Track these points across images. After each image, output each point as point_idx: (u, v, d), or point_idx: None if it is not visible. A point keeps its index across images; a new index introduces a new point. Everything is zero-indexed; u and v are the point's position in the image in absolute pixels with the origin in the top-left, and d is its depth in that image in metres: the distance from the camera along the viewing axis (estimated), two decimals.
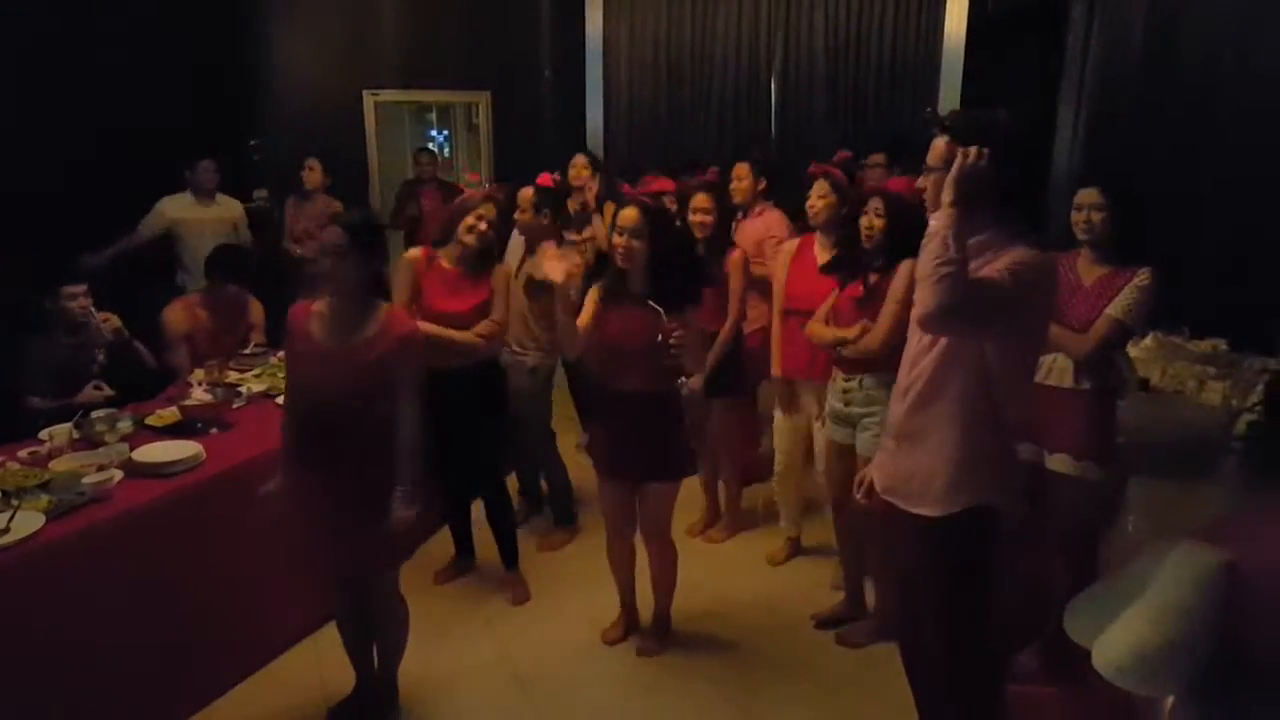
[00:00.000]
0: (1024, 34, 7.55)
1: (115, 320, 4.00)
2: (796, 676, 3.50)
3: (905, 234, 3.16)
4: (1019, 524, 2.47)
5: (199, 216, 5.72)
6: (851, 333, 3.36)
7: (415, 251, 3.78)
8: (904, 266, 3.22)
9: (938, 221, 2.21)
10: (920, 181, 2.39)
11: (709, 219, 4.12)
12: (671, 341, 3.08)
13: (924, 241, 2.21)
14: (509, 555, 4.05)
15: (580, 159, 5.21)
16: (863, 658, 3.60)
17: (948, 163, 2.23)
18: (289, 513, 2.95)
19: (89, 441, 3.36)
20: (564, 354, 3.39)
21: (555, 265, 3.04)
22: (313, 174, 6.48)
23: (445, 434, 3.71)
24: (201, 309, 4.50)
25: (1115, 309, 3.05)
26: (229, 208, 5.94)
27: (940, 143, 2.30)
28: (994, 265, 2.23)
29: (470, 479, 4.03)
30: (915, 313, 2.25)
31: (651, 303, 3.18)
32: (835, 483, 3.65)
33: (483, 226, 3.68)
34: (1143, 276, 3.06)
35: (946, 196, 2.21)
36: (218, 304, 4.53)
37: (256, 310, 4.77)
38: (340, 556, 2.96)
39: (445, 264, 3.73)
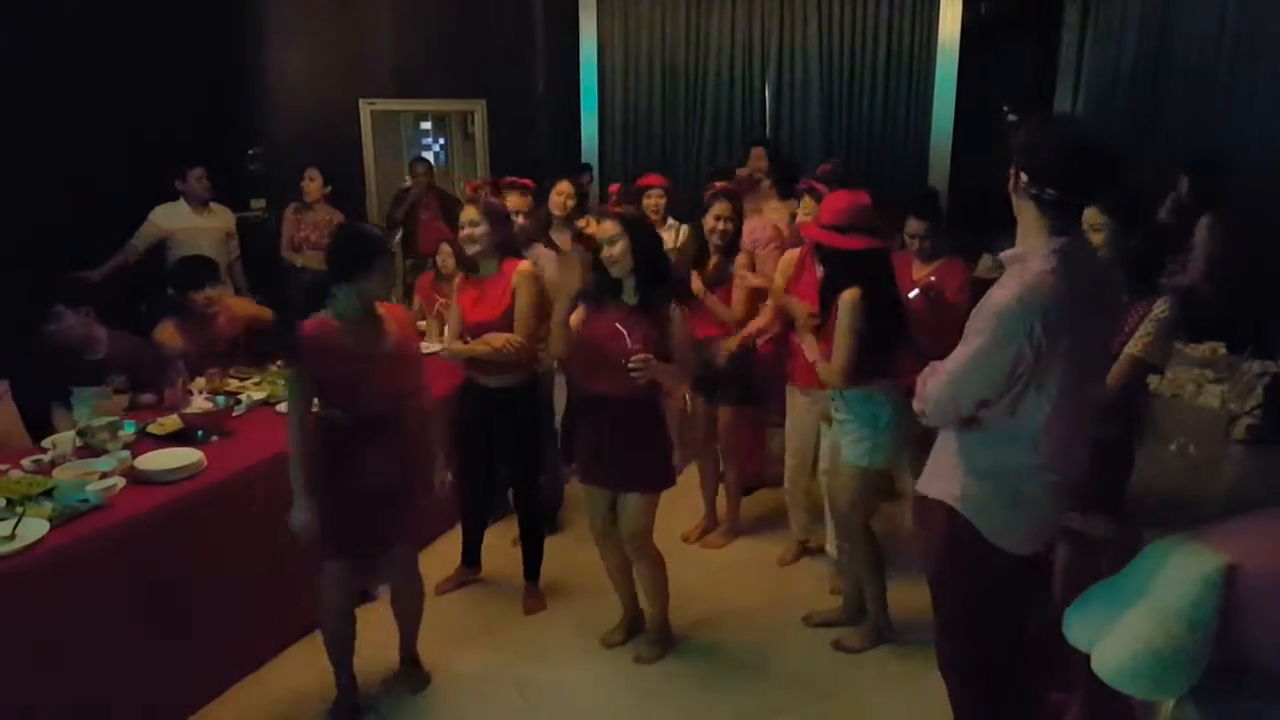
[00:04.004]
0: (1018, 37, 7.58)
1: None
2: (793, 682, 3.50)
3: (842, 271, 3.28)
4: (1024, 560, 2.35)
5: (195, 225, 5.70)
6: (816, 357, 3.41)
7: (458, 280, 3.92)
8: (845, 299, 3.25)
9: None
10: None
11: (728, 226, 4.17)
12: (630, 365, 3.10)
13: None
14: (533, 568, 4.07)
15: (564, 185, 4.99)
16: (859, 662, 3.60)
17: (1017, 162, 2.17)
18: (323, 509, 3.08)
19: (92, 449, 3.38)
20: (553, 352, 3.46)
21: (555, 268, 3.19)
22: (313, 184, 6.51)
23: (480, 448, 3.82)
24: (177, 329, 4.36)
25: (1135, 346, 2.76)
26: (223, 217, 5.94)
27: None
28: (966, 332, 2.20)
29: (496, 493, 4.11)
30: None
31: (618, 325, 3.23)
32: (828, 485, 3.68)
33: (470, 231, 3.69)
34: (1160, 307, 2.77)
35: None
36: (188, 321, 4.38)
37: (235, 320, 4.63)
38: (381, 530, 3.15)
39: (470, 277, 3.82)
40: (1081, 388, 2.24)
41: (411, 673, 3.47)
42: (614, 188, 5.79)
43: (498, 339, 3.63)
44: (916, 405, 2.33)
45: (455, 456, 3.83)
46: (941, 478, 2.36)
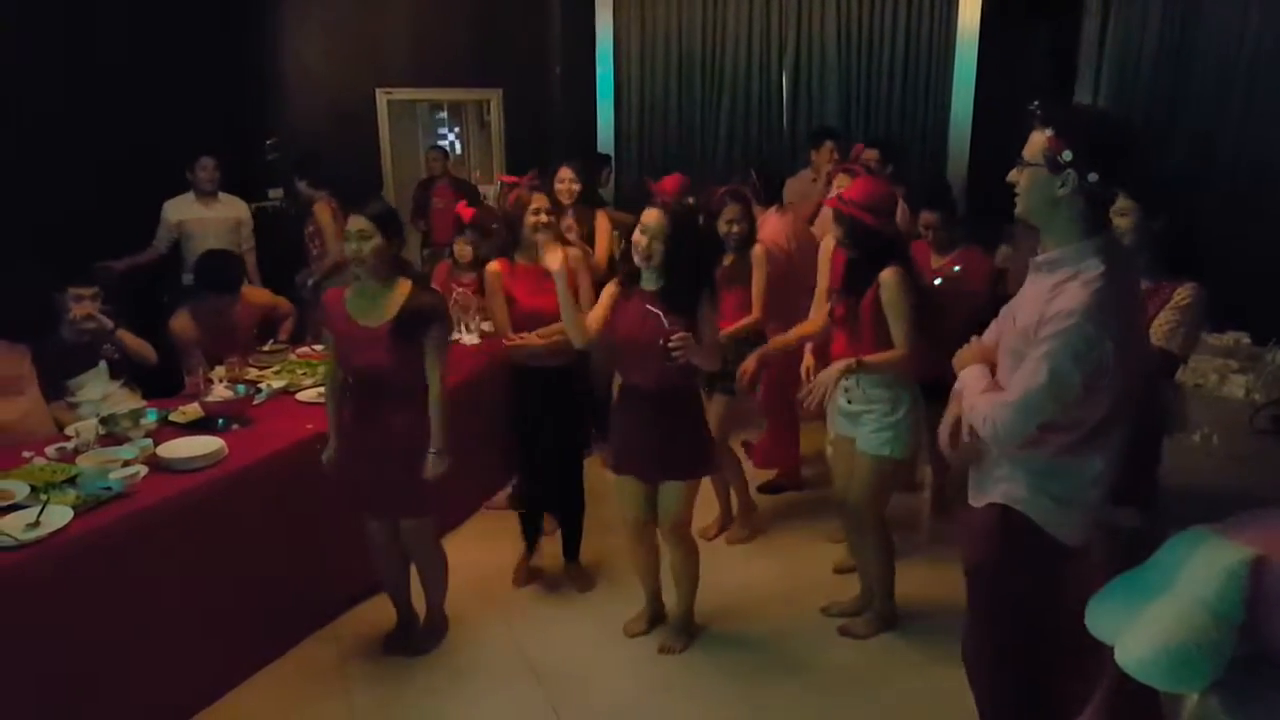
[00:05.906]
0: (1039, 24, 7.51)
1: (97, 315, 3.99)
2: (810, 671, 3.50)
3: (871, 255, 3.26)
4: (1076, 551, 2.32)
5: (201, 216, 5.64)
6: (884, 355, 3.29)
7: (494, 265, 3.86)
8: (887, 278, 3.21)
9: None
10: (1012, 175, 2.21)
11: (741, 227, 4.15)
12: (670, 345, 3.07)
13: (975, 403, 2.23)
14: (574, 547, 4.11)
15: (566, 172, 4.89)
16: (871, 649, 3.60)
17: (1047, 158, 2.11)
18: (340, 465, 3.36)
19: (115, 437, 3.41)
20: (572, 343, 3.43)
21: (552, 255, 3.19)
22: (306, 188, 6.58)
23: (537, 432, 3.85)
24: (192, 320, 4.40)
25: (1155, 335, 2.72)
26: (233, 207, 5.84)
27: (1040, 137, 2.15)
28: (1041, 337, 2.12)
29: (551, 473, 4.05)
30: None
31: (650, 307, 3.19)
32: (837, 475, 3.66)
33: (545, 218, 3.77)
34: (1182, 295, 2.72)
35: None
36: (204, 313, 4.44)
37: (252, 310, 4.73)
38: (384, 500, 3.34)
39: (524, 264, 3.80)
40: (1126, 377, 2.23)
41: (419, 640, 3.63)
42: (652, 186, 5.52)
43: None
44: (977, 431, 2.26)
45: (511, 443, 3.94)
46: (996, 485, 2.33)
